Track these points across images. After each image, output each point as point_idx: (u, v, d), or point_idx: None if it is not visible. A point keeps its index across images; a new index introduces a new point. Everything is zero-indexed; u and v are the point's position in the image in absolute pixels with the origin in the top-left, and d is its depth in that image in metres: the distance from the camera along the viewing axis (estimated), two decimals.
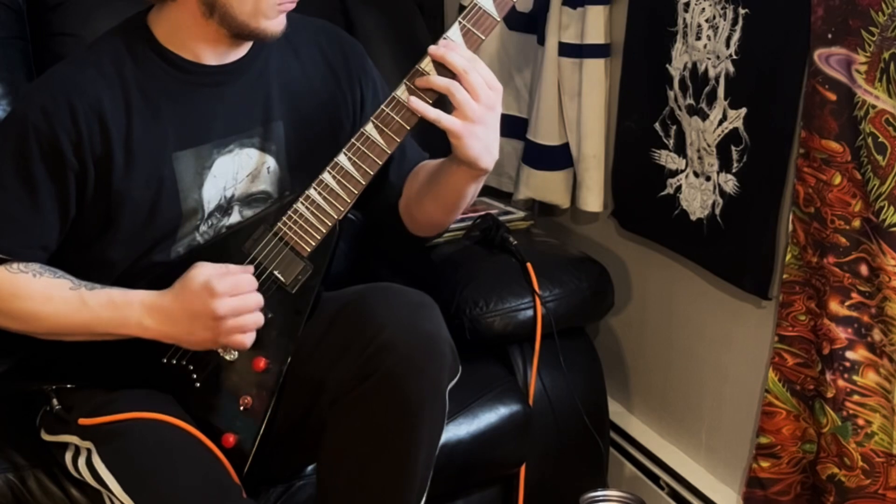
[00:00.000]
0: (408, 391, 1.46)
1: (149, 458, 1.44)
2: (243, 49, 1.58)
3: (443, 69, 1.47)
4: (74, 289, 1.50)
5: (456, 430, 1.82)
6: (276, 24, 1.51)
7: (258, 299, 1.48)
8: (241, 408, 1.52)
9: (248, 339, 1.48)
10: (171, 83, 1.54)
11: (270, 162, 1.61)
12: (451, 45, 1.47)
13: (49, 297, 1.49)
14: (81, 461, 1.50)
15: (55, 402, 1.55)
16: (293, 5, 1.52)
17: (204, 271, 1.46)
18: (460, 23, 1.49)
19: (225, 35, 1.52)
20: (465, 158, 1.49)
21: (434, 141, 1.60)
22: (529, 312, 1.93)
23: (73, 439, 1.52)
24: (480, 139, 1.47)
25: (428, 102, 1.47)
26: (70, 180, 1.50)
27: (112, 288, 1.51)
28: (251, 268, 1.50)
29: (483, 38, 1.49)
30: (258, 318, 1.48)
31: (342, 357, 1.50)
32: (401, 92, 1.49)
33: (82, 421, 1.49)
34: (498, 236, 2.03)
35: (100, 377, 1.56)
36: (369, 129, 1.50)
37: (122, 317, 1.48)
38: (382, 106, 1.50)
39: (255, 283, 1.48)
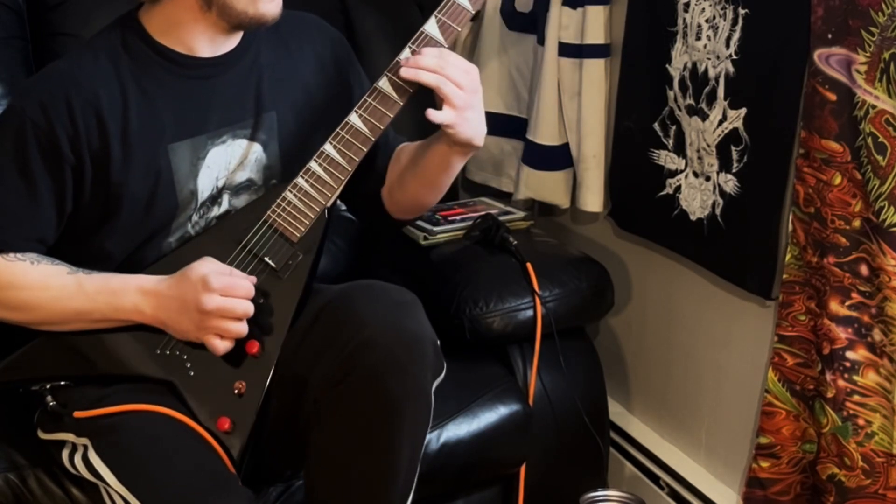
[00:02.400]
0: (388, 389, 1.46)
1: (144, 449, 1.44)
2: (235, 40, 1.60)
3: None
4: (72, 273, 1.52)
5: (456, 430, 1.82)
6: (273, 6, 1.54)
7: (247, 308, 1.48)
8: (236, 392, 1.52)
9: (223, 346, 1.49)
10: (165, 76, 1.56)
11: (258, 150, 1.63)
12: (418, 55, 1.54)
13: (46, 285, 1.51)
14: (78, 457, 1.50)
15: (49, 398, 1.55)
16: None
17: (207, 265, 1.49)
18: (436, 17, 1.57)
19: (223, 27, 1.55)
20: (463, 142, 1.58)
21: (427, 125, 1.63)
22: (529, 312, 1.93)
23: (68, 436, 1.53)
24: (472, 122, 1.56)
25: (409, 91, 1.55)
26: (67, 175, 1.52)
27: (109, 273, 1.53)
28: (254, 278, 1.51)
29: (458, 29, 1.58)
30: (241, 328, 1.48)
31: (324, 355, 1.50)
32: (383, 83, 1.56)
33: (77, 414, 1.50)
34: (498, 236, 2.03)
35: (94, 372, 1.56)
36: (353, 118, 1.57)
37: (118, 301, 1.50)
38: (365, 96, 1.57)
39: (251, 293, 1.49)
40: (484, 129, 1.60)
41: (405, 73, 1.53)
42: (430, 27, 1.57)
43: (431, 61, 1.53)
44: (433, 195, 1.73)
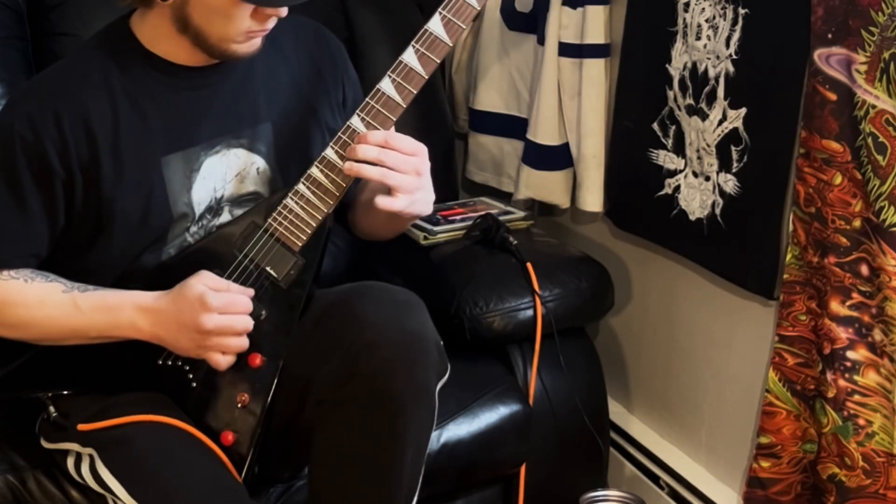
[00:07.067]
0: (392, 391, 1.45)
1: (153, 462, 1.43)
2: None
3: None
4: (67, 292, 1.50)
5: (456, 430, 1.82)
6: (246, 47, 1.50)
7: (247, 323, 1.47)
8: (239, 405, 1.51)
9: (225, 361, 1.48)
10: (156, 87, 1.53)
11: (259, 162, 1.60)
12: (361, 142, 1.50)
13: (42, 303, 1.49)
14: (84, 468, 1.49)
15: (52, 409, 1.55)
16: (264, 32, 1.50)
17: (203, 282, 1.46)
18: (441, 13, 1.53)
19: (199, 50, 1.51)
20: (412, 217, 1.58)
21: (429, 119, 1.62)
22: (529, 312, 1.93)
23: (73, 446, 1.52)
24: (421, 201, 1.55)
25: (412, 93, 1.53)
26: (58, 189, 1.49)
27: (105, 290, 1.50)
28: (251, 291, 1.50)
29: (464, 27, 1.54)
30: (242, 343, 1.48)
31: (328, 357, 1.49)
32: (385, 85, 1.52)
33: (81, 427, 1.48)
34: (498, 236, 2.03)
35: (96, 382, 1.55)
36: (355, 121, 1.53)
37: (114, 318, 1.48)
38: (367, 98, 1.53)
39: (249, 307, 1.48)
40: (432, 197, 1.58)
41: (348, 168, 1.49)
42: (435, 25, 1.53)
43: (372, 153, 1.49)
44: (386, 237, 1.75)
